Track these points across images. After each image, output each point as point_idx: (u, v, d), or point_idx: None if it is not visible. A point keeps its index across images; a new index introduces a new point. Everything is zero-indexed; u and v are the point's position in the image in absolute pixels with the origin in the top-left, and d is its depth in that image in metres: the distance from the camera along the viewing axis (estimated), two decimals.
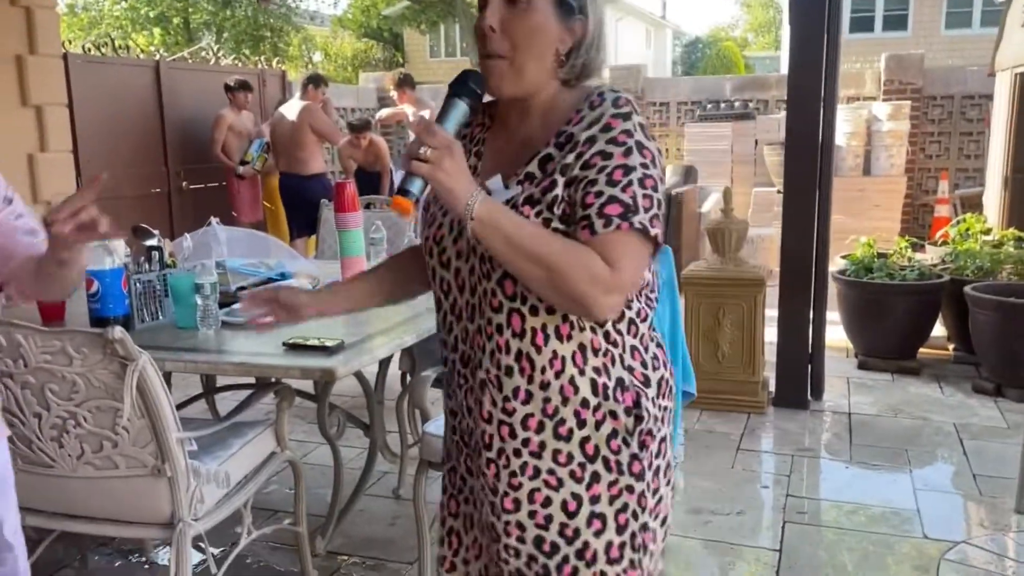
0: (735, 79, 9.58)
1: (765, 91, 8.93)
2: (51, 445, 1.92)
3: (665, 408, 1.31)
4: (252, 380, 3.13)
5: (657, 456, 1.30)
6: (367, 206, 4.19)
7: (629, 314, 1.27)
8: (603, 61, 1.28)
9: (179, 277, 2.52)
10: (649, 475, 1.28)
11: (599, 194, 1.16)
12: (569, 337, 1.23)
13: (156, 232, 2.81)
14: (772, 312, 4.04)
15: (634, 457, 1.26)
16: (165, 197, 6.65)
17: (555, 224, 1.19)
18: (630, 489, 1.26)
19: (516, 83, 1.23)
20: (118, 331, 1.74)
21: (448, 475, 1.45)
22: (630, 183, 1.17)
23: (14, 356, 1.81)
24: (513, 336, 1.23)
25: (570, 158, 1.19)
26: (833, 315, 4.42)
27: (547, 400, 1.24)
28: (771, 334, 4.07)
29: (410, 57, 22.80)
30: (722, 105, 8.64)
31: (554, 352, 1.23)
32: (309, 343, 2.25)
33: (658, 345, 1.33)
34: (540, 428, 1.25)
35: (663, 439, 1.31)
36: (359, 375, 2.82)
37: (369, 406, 3.00)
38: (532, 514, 1.27)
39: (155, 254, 2.66)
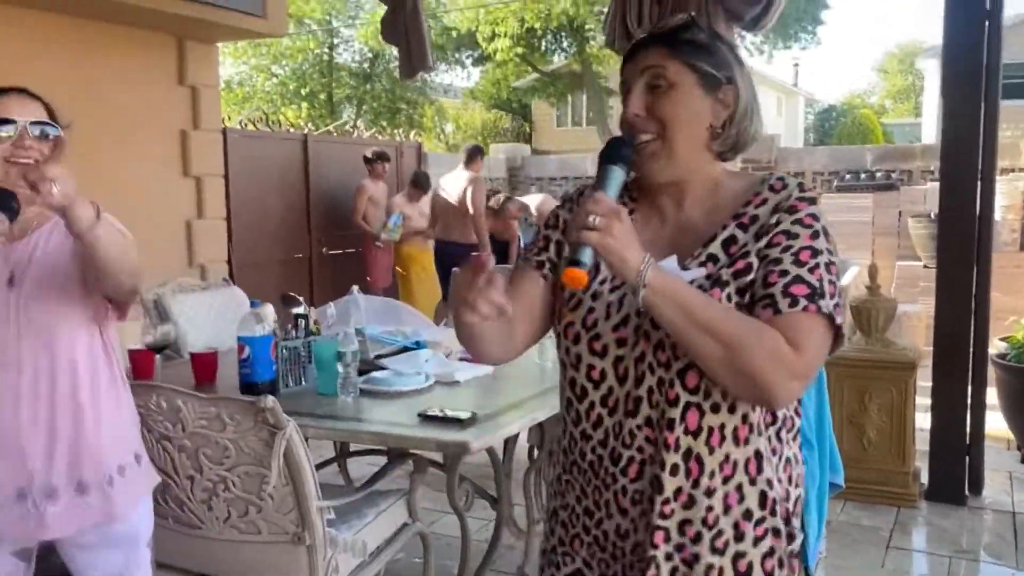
0: (876, 149, 9.23)
1: (909, 161, 8.55)
2: (201, 507, 1.99)
3: (798, 527, 1.25)
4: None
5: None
6: None
7: (780, 424, 1.21)
8: (757, 130, 1.23)
9: (323, 344, 2.60)
10: None
11: (784, 273, 1.11)
12: (746, 441, 1.17)
13: (302, 300, 2.93)
14: (922, 396, 3.77)
15: None
16: (307, 262, 6.99)
17: (744, 311, 1.14)
18: None
19: (670, 165, 1.20)
20: (269, 400, 1.81)
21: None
22: (817, 266, 1.11)
23: (173, 420, 1.90)
24: (685, 433, 1.16)
25: (761, 242, 1.15)
26: (990, 401, 4.07)
27: (710, 508, 1.17)
28: (921, 420, 3.79)
29: (537, 126, 23.35)
30: (862, 176, 8.33)
31: (726, 456, 1.16)
32: (443, 415, 2.26)
33: (798, 461, 1.26)
34: (697, 538, 1.17)
35: (800, 561, 1.25)
36: (488, 448, 2.81)
37: (497, 479, 2.97)
38: None
39: (301, 321, 2.77)
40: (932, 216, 6.45)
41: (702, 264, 1.18)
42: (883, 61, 34.91)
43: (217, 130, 5.74)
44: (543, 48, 18.08)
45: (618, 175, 1.15)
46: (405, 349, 3.09)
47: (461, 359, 3.05)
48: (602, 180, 1.15)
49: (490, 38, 16.37)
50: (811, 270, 1.11)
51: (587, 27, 16.53)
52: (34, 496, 1.59)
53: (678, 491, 1.17)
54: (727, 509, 1.17)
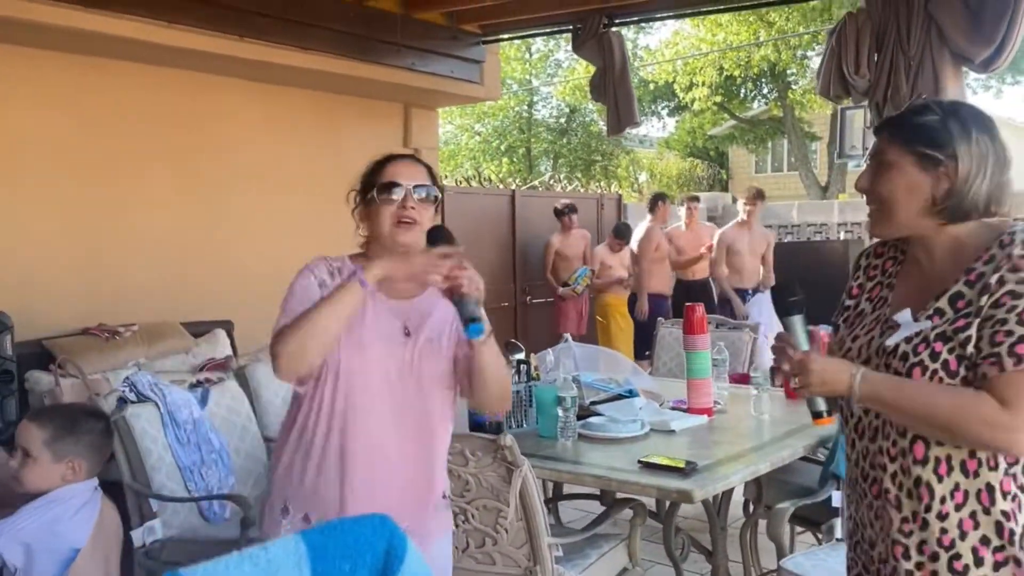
0: None
1: None
2: None
3: None
4: (596, 492, 3.25)
5: None
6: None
7: None
8: (986, 195, 1.32)
9: (544, 389, 2.75)
10: None
11: (1009, 333, 1.22)
12: (976, 474, 1.27)
13: (522, 347, 3.11)
14: None
15: None
16: (512, 311, 7.30)
17: (964, 363, 1.26)
18: None
19: (886, 229, 1.39)
20: (508, 438, 1.95)
21: None
22: None
23: None
24: (914, 463, 1.29)
25: (983, 300, 1.26)
26: None
27: (944, 531, 1.27)
28: None
29: (734, 173, 22.89)
30: None
31: (956, 484, 1.27)
32: (663, 462, 2.31)
33: None
34: (934, 557, 1.28)
35: None
36: (704, 499, 2.81)
37: (712, 532, 2.95)
38: None
39: (523, 367, 2.93)
40: None
41: (929, 317, 1.31)
42: None
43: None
44: (742, 95, 17.81)
45: (797, 321, 1.39)
46: (619, 396, 3.17)
47: (673, 407, 3.08)
48: (788, 332, 1.39)
49: (687, 88, 16.37)
50: None
51: (789, 72, 16.12)
52: None
53: (914, 513, 1.30)
54: (963, 535, 1.27)
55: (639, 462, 2.33)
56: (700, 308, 3.14)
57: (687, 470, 2.24)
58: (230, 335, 4.45)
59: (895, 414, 1.28)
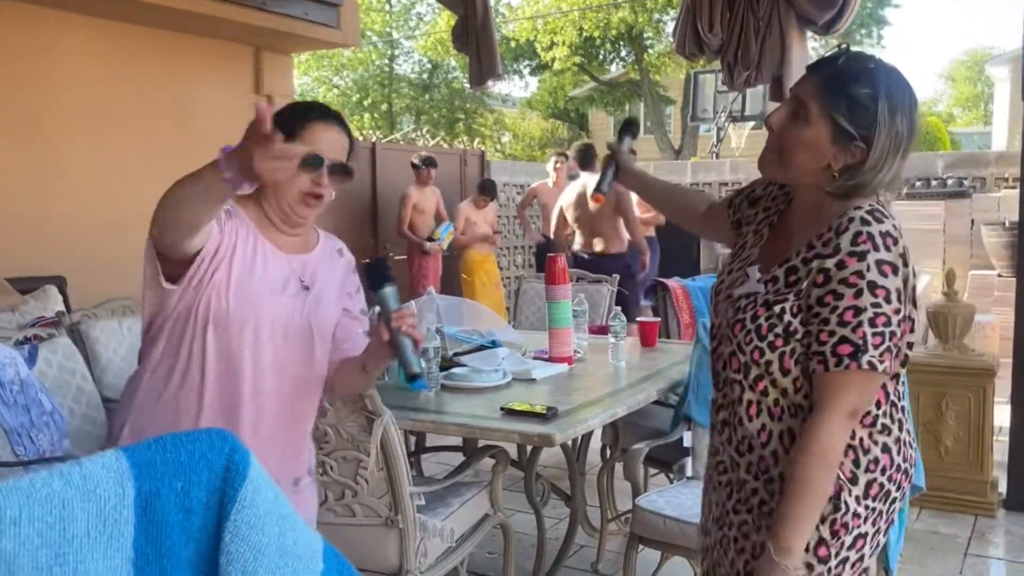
0: (948, 156, 9.02)
1: (982, 168, 8.34)
2: None
3: (872, 508, 1.35)
4: (459, 442, 3.25)
5: (849, 549, 1.34)
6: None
7: None
8: (883, 182, 1.32)
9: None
10: (834, 563, 1.33)
11: (831, 333, 1.27)
12: (780, 418, 1.36)
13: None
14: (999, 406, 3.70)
15: (821, 541, 1.32)
16: None
17: (776, 330, 1.33)
18: (809, 567, 1.32)
19: (780, 173, 1.40)
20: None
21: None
22: (860, 324, 1.25)
23: None
24: (737, 400, 1.40)
25: (806, 284, 1.31)
26: None
27: (762, 458, 1.39)
28: (997, 431, 3.71)
29: (594, 135, 23.37)
30: (933, 183, 8.16)
31: (763, 425, 1.37)
32: (525, 409, 2.32)
33: (884, 450, 1.36)
34: (756, 478, 1.39)
35: (860, 535, 1.34)
36: (564, 445, 2.86)
37: (571, 477, 3.02)
38: (726, 544, 1.44)
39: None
40: (1007, 224, 6.30)
41: (768, 282, 1.37)
42: (950, 68, 33.92)
43: None
44: (601, 57, 18.13)
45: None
46: (482, 347, 3.17)
47: (535, 357, 3.11)
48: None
49: (548, 47, 16.48)
50: (854, 329, 1.26)
51: (646, 36, 16.52)
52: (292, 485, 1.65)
53: (742, 439, 1.41)
54: (765, 469, 1.37)
55: (502, 409, 2.33)
56: (561, 259, 3.17)
57: (548, 415, 2.26)
58: (63, 292, 4.10)
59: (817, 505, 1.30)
